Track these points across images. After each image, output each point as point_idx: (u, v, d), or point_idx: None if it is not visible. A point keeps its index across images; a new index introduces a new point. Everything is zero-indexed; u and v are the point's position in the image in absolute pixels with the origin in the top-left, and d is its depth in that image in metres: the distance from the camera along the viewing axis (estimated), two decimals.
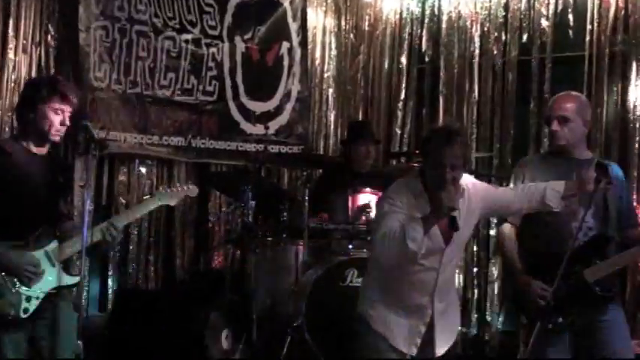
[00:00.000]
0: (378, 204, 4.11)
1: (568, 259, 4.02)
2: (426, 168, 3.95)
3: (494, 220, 6.62)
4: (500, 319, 6.99)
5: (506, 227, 4.48)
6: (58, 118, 4.20)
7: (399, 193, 3.95)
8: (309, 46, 8.04)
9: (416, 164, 5.95)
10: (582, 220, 4.12)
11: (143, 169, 6.85)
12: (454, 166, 3.81)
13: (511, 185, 4.44)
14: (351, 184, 6.12)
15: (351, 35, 8.18)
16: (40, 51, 6.14)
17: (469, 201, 4.01)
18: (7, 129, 5.84)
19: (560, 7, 7.01)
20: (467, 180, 4.05)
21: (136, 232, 6.80)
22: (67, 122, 4.23)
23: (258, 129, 7.32)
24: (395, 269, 3.95)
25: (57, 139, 4.26)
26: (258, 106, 7.48)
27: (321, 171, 6.99)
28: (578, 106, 4.43)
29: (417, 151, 6.40)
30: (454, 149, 3.81)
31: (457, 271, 6.62)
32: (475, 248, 7.21)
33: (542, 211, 4.19)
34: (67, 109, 4.22)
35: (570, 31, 7.01)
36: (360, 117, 8.00)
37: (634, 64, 6.65)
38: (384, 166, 7.50)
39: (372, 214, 5.68)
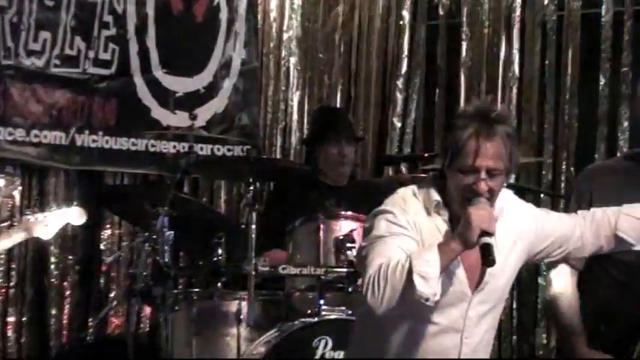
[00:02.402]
0: (371, 223, 3.97)
1: None
2: (447, 172, 3.85)
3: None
4: None
5: (563, 272, 4.52)
6: None
7: (404, 207, 3.89)
8: None
9: (425, 174, 5.69)
10: None
11: (0, 182, 6.86)
12: (492, 172, 3.75)
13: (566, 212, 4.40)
14: (323, 204, 5.99)
15: None
16: None
17: (511, 229, 3.95)
18: None
19: None
20: (508, 198, 4.02)
21: None
22: None
23: (180, 119, 7.36)
24: (395, 331, 3.90)
25: None
26: (180, 84, 7.55)
27: (274, 185, 7.00)
28: None
29: (427, 154, 6.53)
30: (493, 145, 3.73)
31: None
32: (514, 305, 7.31)
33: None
34: None
35: None
36: (338, 101, 8.05)
37: None
38: (375, 177, 7.60)
39: (356, 250, 5.43)
